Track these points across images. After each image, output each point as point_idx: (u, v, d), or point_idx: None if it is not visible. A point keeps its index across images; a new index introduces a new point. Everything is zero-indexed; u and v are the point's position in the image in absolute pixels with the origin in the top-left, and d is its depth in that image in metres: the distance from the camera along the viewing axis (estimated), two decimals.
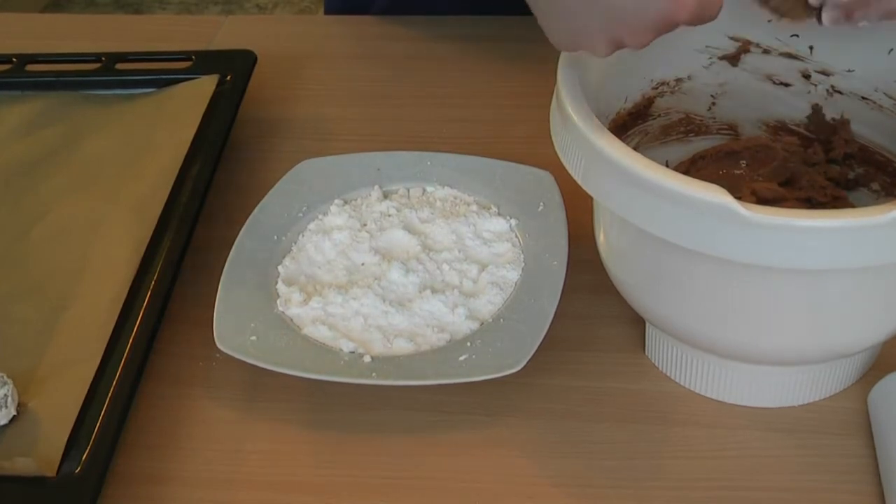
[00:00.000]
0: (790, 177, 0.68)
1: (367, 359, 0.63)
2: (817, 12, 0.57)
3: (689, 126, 0.71)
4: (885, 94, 0.65)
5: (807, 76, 0.68)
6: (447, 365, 0.62)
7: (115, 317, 0.65)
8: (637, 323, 0.66)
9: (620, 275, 0.61)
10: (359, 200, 0.75)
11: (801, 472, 0.58)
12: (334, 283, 0.69)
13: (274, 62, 0.94)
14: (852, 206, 0.67)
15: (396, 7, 1.02)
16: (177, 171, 0.76)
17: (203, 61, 0.89)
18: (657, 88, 0.68)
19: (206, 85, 0.85)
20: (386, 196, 0.75)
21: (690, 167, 0.69)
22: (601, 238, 0.61)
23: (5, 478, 0.57)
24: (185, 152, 0.78)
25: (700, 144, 0.72)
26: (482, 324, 0.65)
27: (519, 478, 0.59)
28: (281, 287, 0.68)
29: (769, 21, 0.62)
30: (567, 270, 0.66)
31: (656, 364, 0.65)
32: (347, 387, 0.62)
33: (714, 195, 0.49)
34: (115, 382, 0.61)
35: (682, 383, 0.64)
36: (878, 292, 0.54)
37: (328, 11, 1.09)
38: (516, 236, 0.71)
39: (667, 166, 0.51)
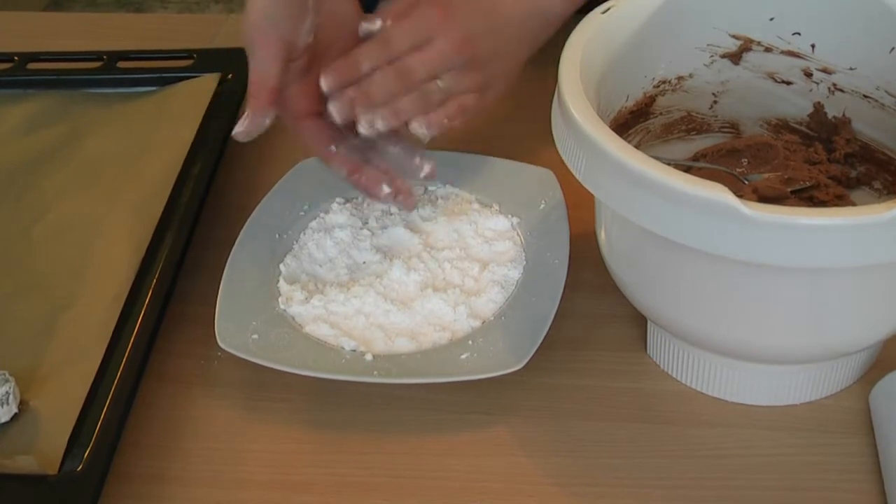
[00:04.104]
0: (792, 175, 0.68)
1: (368, 357, 0.63)
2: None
3: (691, 124, 0.71)
4: (886, 92, 0.65)
5: (808, 74, 0.68)
6: (448, 363, 0.62)
7: (117, 315, 0.65)
8: (639, 322, 0.66)
9: (622, 273, 0.61)
10: (360, 199, 0.75)
11: (803, 471, 0.58)
12: (336, 281, 0.69)
13: None
14: (854, 204, 0.67)
15: None
16: (178, 169, 0.76)
17: (204, 60, 0.89)
18: (659, 87, 0.68)
19: (207, 83, 0.85)
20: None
21: (692, 165, 0.69)
22: (603, 236, 0.61)
23: (7, 476, 0.57)
24: (186, 151, 0.78)
25: (702, 143, 0.72)
26: (483, 322, 0.65)
27: (520, 477, 0.59)
28: (282, 285, 0.68)
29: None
30: (568, 269, 0.66)
31: (658, 363, 0.65)
32: (348, 385, 0.62)
33: (716, 193, 0.49)
34: (116, 381, 0.61)
35: (683, 382, 0.64)
36: (879, 290, 0.54)
37: None
38: (518, 235, 0.71)
39: (668, 165, 0.51)
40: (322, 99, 0.68)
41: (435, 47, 0.65)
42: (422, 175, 0.69)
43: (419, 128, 0.66)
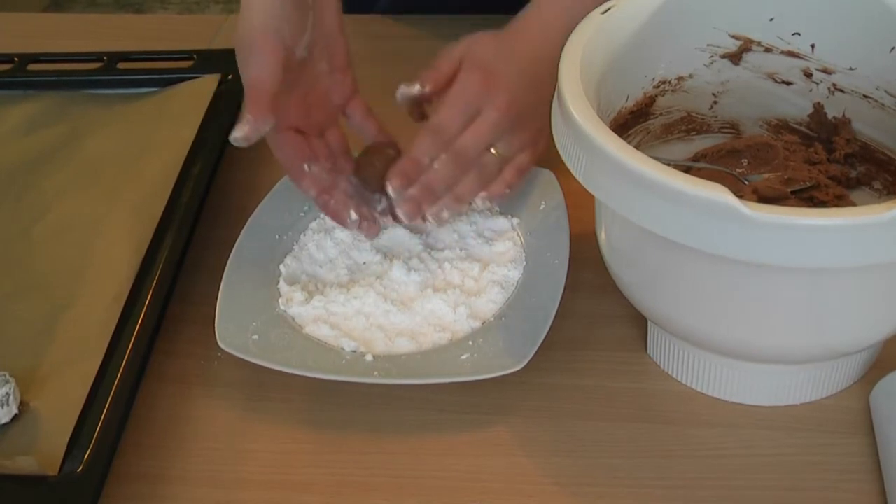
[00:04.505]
0: (792, 175, 0.68)
1: (368, 358, 0.63)
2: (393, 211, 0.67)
3: (691, 124, 0.71)
4: (886, 92, 0.65)
5: (808, 74, 0.68)
6: (448, 364, 0.62)
7: (117, 316, 0.65)
8: (639, 322, 0.66)
9: (622, 274, 0.61)
10: None
11: (803, 471, 0.58)
12: (336, 282, 0.69)
13: None
14: (854, 204, 0.67)
15: (398, 6, 1.02)
16: (178, 170, 0.76)
17: (204, 61, 0.89)
18: (659, 87, 0.68)
19: (207, 84, 0.85)
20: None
21: (692, 166, 0.69)
22: (603, 237, 0.61)
23: (7, 476, 0.57)
24: (186, 152, 0.78)
25: (702, 143, 0.72)
26: (483, 323, 0.65)
27: (520, 477, 0.59)
28: (282, 286, 0.68)
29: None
30: (569, 269, 0.66)
31: (658, 363, 0.65)
32: (349, 386, 0.62)
33: (716, 194, 0.48)
34: (116, 382, 0.61)
35: (684, 382, 0.64)
36: (879, 290, 0.54)
37: (343, 11, 1.09)
38: (518, 235, 0.71)
39: (668, 165, 0.51)
40: (303, 117, 0.69)
41: (484, 119, 0.65)
42: (379, 208, 0.69)
43: (482, 203, 0.67)
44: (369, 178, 0.68)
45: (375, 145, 0.71)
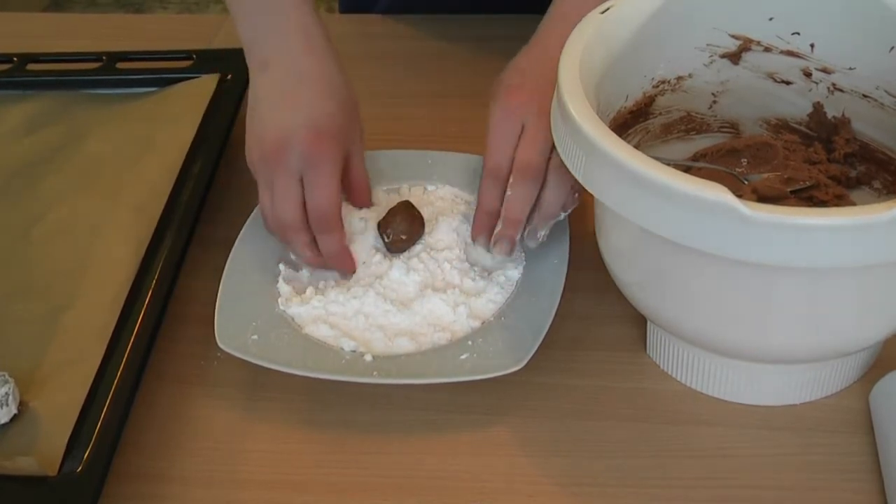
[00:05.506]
0: (792, 175, 0.68)
1: (368, 358, 0.63)
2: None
3: (691, 124, 0.71)
4: (886, 91, 0.65)
5: (808, 74, 0.68)
6: (448, 364, 0.62)
7: (117, 316, 0.65)
8: (638, 322, 0.66)
9: (621, 274, 0.61)
10: None
11: (803, 471, 0.58)
12: (335, 281, 0.68)
13: None
14: (854, 204, 0.67)
15: (398, 5, 1.02)
16: (178, 170, 0.76)
17: (204, 60, 0.89)
18: (658, 87, 0.68)
19: (206, 84, 0.85)
20: (387, 195, 0.75)
21: (692, 165, 0.69)
22: (603, 236, 0.61)
23: (6, 477, 0.57)
24: (185, 151, 0.78)
25: (701, 143, 0.72)
26: (483, 323, 0.65)
27: (520, 477, 0.59)
28: (282, 286, 0.68)
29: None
30: (568, 269, 0.66)
31: (658, 363, 0.65)
32: (348, 386, 0.62)
33: (716, 193, 0.48)
34: (116, 381, 0.61)
35: (683, 382, 0.64)
36: (879, 290, 0.54)
37: (343, 10, 1.10)
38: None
39: (668, 165, 0.51)
40: None
41: (530, 129, 0.64)
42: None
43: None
44: (391, 235, 0.69)
45: (401, 205, 0.71)
